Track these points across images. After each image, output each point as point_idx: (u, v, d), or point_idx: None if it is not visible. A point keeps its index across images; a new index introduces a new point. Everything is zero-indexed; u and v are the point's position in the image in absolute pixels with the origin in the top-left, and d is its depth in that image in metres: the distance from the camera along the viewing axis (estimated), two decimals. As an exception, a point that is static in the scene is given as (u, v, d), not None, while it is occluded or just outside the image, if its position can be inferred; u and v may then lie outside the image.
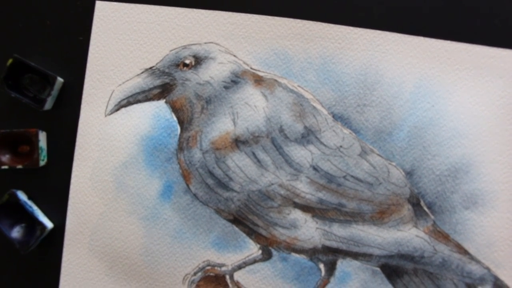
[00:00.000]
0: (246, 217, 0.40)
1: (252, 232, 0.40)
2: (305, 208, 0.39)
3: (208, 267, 0.41)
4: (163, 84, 0.41)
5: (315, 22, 0.41)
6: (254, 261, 0.41)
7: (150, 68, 0.42)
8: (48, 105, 0.42)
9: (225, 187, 0.40)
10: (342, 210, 0.39)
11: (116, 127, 0.42)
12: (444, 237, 0.39)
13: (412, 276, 0.40)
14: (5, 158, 0.42)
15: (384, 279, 0.40)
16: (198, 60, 0.41)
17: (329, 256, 0.40)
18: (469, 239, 0.39)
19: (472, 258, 0.39)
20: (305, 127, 0.40)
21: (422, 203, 0.40)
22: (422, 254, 0.39)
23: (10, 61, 0.42)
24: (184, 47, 0.41)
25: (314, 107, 0.40)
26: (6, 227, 0.42)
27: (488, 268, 0.39)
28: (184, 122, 0.41)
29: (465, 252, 0.39)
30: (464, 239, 0.39)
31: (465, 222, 0.39)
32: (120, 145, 0.42)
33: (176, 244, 0.41)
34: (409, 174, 0.40)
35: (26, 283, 0.43)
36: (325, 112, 0.40)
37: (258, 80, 0.41)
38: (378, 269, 0.40)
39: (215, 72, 0.41)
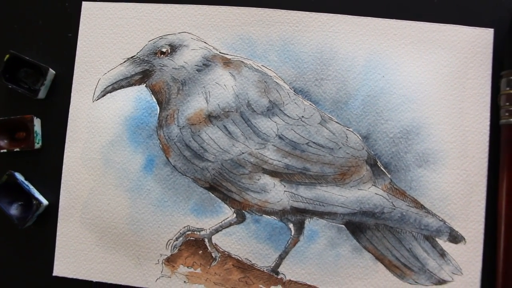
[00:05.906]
0: (221, 184, 0.43)
1: (226, 198, 0.43)
2: (273, 173, 0.42)
3: (188, 232, 0.44)
4: (143, 71, 0.45)
5: (274, 10, 0.45)
6: (230, 224, 0.43)
7: (132, 57, 0.45)
8: (41, 94, 0.46)
9: (201, 158, 0.43)
10: (306, 174, 0.42)
11: (103, 110, 0.45)
12: (401, 193, 0.42)
13: (374, 231, 0.42)
14: (3, 143, 0.46)
15: (349, 235, 0.42)
16: (174, 48, 0.45)
17: (297, 216, 0.42)
18: (424, 194, 0.42)
19: (428, 212, 0.42)
20: (270, 101, 0.43)
21: (379, 163, 0.42)
22: (382, 210, 0.42)
23: (7, 56, 0.45)
24: (161, 37, 0.45)
25: (277, 83, 0.44)
26: (5, 205, 0.45)
27: (443, 221, 0.41)
28: (162, 102, 0.44)
29: (421, 206, 0.42)
30: (420, 195, 0.42)
31: (419, 179, 0.42)
32: (106, 126, 0.45)
33: (159, 212, 0.44)
34: (365, 138, 0.43)
35: (24, 256, 0.46)
36: (287, 87, 0.44)
37: (227, 62, 0.44)
38: (343, 226, 0.42)
39: (188, 57, 0.44)
